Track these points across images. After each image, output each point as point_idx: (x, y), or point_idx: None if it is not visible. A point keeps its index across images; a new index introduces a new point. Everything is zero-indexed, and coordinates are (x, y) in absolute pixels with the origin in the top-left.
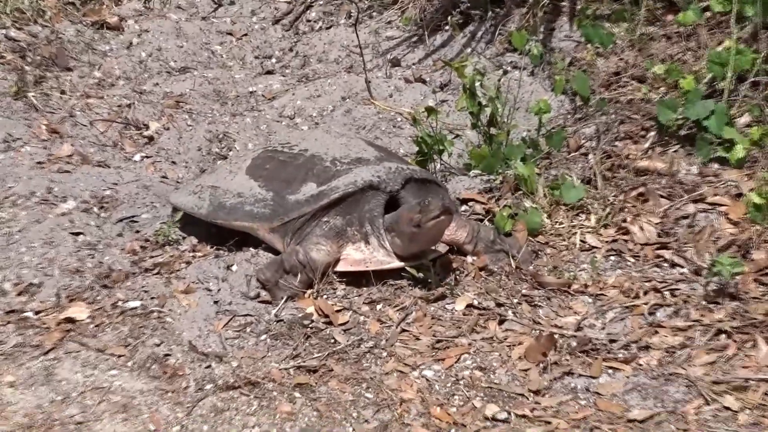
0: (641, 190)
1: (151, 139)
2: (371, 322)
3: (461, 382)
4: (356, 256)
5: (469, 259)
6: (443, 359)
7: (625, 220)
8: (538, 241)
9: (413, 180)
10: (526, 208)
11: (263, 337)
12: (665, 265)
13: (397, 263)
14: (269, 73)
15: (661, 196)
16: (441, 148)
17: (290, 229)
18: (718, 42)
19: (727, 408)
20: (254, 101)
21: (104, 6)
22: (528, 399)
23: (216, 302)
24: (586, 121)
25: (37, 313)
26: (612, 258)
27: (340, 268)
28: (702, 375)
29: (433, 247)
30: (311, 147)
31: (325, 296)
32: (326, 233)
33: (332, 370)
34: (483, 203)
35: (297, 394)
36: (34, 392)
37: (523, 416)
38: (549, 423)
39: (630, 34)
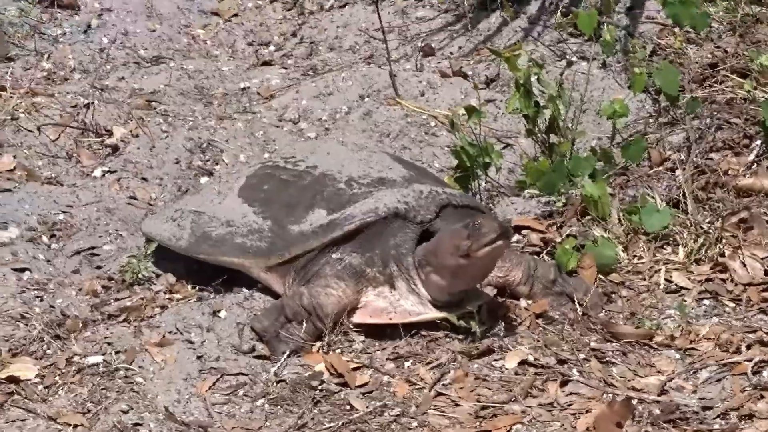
0: (743, 215)
1: (115, 149)
2: (398, 383)
3: None
4: (378, 304)
5: (523, 303)
6: (490, 431)
7: (722, 254)
8: (611, 281)
9: (451, 206)
10: (595, 238)
11: (260, 402)
12: None
13: (430, 314)
14: (266, 64)
15: None
16: (486, 160)
17: (293, 267)
18: None
19: None
20: (247, 101)
21: None
22: None
23: (199, 357)
24: (674, 126)
25: None
26: (706, 302)
27: (356, 319)
28: None
29: (478, 288)
30: (321, 163)
31: (338, 350)
32: (339, 273)
33: None
34: (541, 232)
35: None
36: None
37: None
38: None
39: (730, 15)
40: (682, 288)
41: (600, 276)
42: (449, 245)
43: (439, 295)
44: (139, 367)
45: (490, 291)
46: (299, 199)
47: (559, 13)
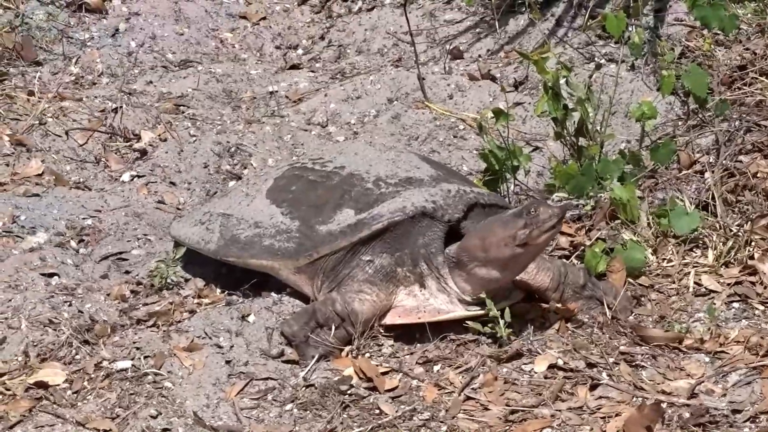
0: None
1: (143, 153)
2: (427, 387)
3: None
4: (408, 303)
5: (552, 306)
6: None
7: (752, 257)
8: (641, 284)
9: (479, 205)
10: (624, 241)
11: (289, 406)
12: None
13: (459, 312)
14: (294, 67)
15: None
16: (515, 163)
17: (321, 269)
18: None
19: None
20: (275, 104)
21: None
22: None
23: (228, 362)
24: (703, 129)
25: None
26: (735, 305)
27: (387, 320)
28: None
29: (506, 291)
30: (349, 163)
31: (367, 354)
32: (371, 277)
33: None
34: (570, 235)
35: None
36: None
37: None
38: None
39: (759, 17)
40: (712, 291)
41: (629, 279)
42: (503, 236)
43: (476, 291)
44: (168, 372)
45: (518, 295)
46: (327, 200)
47: (587, 16)
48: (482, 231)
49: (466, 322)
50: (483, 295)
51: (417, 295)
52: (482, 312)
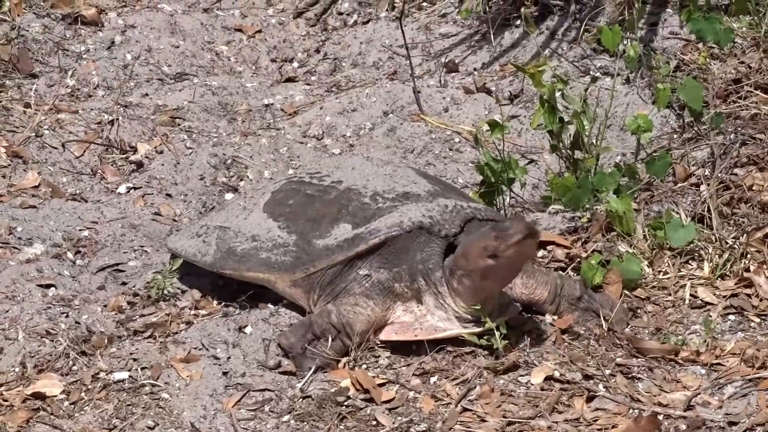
0: None
1: (139, 165)
2: (424, 399)
3: None
4: (405, 319)
5: (549, 318)
6: None
7: (748, 269)
8: (637, 296)
9: (476, 220)
10: (620, 253)
11: (286, 417)
12: None
13: (456, 330)
14: (290, 80)
15: None
16: (511, 176)
17: (318, 283)
18: None
19: None
20: (271, 117)
21: None
22: None
23: (225, 373)
24: (698, 142)
25: None
26: (731, 317)
27: (383, 336)
28: None
29: (506, 298)
30: (346, 178)
31: (364, 366)
32: (367, 290)
33: None
34: (566, 247)
35: None
36: None
37: None
38: None
39: (754, 30)
40: (708, 303)
41: (625, 291)
42: (478, 247)
43: (468, 302)
44: (165, 383)
45: (516, 306)
46: (324, 214)
47: (582, 29)
48: (466, 242)
49: (462, 334)
50: (477, 307)
51: (414, 311)
52: (479, 330)
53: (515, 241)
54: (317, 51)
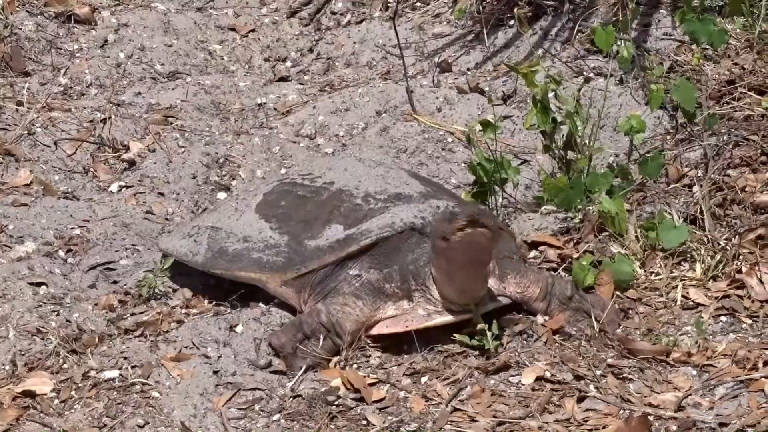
0: (761, 231)
1: (131, 163)
2: (414, 398)
3: None
4: (394, 314)
5: (540, 319)
6: None
7: (740, 271)
8: (628, 297)
9: None
10: (612, 254)
11: (276, 416)
12: None
13: (446, 317)
14: (283, 80)
15: None
16: (503, 176)
17: (309, 283)
18: None
19: None
20: (264, 116)
21: None
22: None
23: (216, 372)
24: (691, 143)
25: None
26: (723, 319)
27: (374, 331)
28: None
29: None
30: (339, 179)
31: (355, 365)
32: (356, 290)
33: None
34: (558, 248)
35: None
36: None
37: None
38: None
39: (748, 32)
40: (699, 304)
41: (617, 292)
42: (435, 229)
43: (449, 292)
44: (156, 381)
45: (505, 300)
46: (316, 215)
47: (575, 30)
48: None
49: (453, 334)
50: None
51: (405, 308)
52: (469, 316)
53: (458, 226)
54: (310, 50)
